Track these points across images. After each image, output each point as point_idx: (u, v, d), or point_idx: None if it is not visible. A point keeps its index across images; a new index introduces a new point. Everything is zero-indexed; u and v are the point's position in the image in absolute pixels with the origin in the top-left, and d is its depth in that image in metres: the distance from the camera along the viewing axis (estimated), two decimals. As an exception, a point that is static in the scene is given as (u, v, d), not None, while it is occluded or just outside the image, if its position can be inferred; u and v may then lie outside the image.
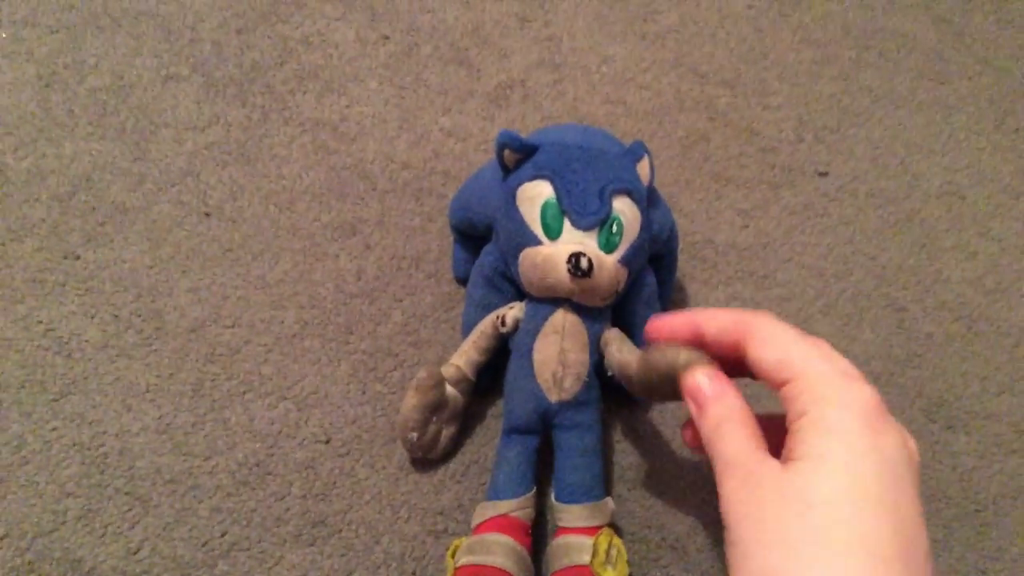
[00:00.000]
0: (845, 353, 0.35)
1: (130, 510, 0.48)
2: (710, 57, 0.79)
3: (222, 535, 0.48)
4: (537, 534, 0.50)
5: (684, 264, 0.64)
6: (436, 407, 0.51)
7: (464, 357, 0.53)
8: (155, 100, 0.67)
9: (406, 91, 0.72)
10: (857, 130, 0.76)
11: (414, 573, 0.49)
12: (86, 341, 0.54)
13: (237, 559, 0.47)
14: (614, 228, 0.51)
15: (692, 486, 0.54)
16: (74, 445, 0.50)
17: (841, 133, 0.75)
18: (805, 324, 0.62)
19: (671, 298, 0.61)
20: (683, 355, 0.39)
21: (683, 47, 0.79)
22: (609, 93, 0.75)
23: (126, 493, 0.49)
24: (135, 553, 0.47)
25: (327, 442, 0.52)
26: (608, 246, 0.51)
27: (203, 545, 0.47)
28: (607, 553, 0.47)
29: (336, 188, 0.64)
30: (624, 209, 0.51)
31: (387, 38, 0.75)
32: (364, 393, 0.55)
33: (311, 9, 0.76)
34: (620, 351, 0.51)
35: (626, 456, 0.56)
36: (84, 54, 0.67)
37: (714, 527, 0.53)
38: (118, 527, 0.47)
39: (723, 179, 0.70)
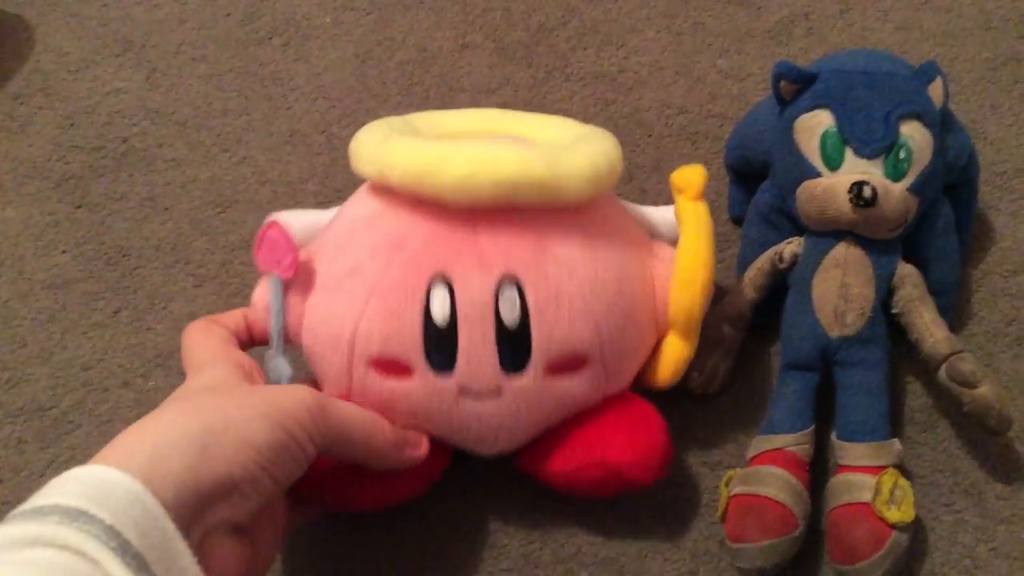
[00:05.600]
0: None
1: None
2: (1026, -32, 0.70)
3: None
4: (817, 472, 0.49)
5: (989, 195, 0.59)
6: (713, 344, 0.52)
7: (740, 295, 0.53)
8: (453, 68, 0.73)
9: (684, 36, 0.72)
10: None
11: (689, 500, 0.50)
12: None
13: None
14: (901, 155, 0.48)
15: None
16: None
17: None
18: None
19: (971, 230, 0.56)
20: None
21: (995, -40, 0.71)
22: (903, 18, 0.70)
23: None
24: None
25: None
26: (895, 174, 0.48)
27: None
28: (891, 493, 0.45)
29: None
30: (913, 134, 0.48)
31: (665, -13, 0.76)
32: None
33: (591, -32, 0.79)
34: (920, 314, 0.49)
35: (917, 398, 0.52)
36: (393, 31, 0.75)
37: (1017, 472, 0.49)
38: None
39: (1039, 101, 0.63)
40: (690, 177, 0.46)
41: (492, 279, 0.41)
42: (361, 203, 0.47)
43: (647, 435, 0.44)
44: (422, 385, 0.42)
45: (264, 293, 0.45)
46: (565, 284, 0.42)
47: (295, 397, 0.38)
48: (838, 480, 0.47)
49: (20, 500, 0.57)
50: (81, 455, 0.59)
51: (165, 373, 0.60)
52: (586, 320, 0.42)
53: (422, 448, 0.44)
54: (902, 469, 0.47)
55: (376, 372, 0.43)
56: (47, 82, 0.76)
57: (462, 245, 0.42)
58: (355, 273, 0.43)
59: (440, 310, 0.41)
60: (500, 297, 0.41)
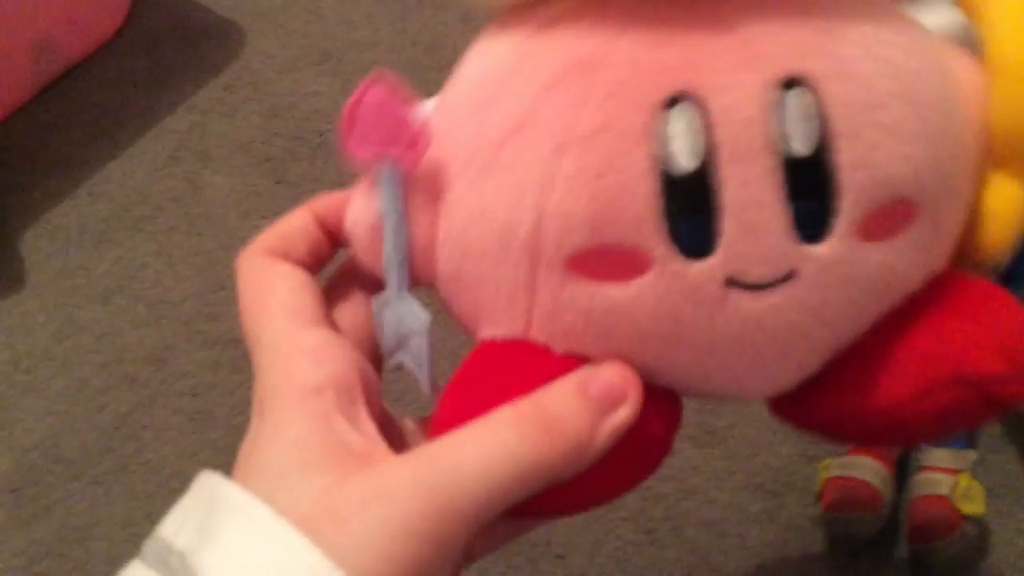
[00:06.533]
0: None
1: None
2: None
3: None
4: (900, 469, 0.58)
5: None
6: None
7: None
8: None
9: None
10: None
11: (787, 484, 0.59)
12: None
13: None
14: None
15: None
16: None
17: None
18: None
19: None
20: None
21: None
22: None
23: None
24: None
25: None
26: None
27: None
28: (966, 491, 0.54)
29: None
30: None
31: None
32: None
33: None
34: None
35: (991, 426, 0.62)
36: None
37: (1075, 492, 0.58)
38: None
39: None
40: None
41: (768, 81, 0.23)
42: (499, 41, 0.27)
43: (1012, 325, 0.26)
44: (663, 284, 0.24)
45: (368, 203, 0.26)
46: (883, 80, 0.24)
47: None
48: (921, 477, 0.56)
49: (211, 412, 0.70)
50: (267, 382, 0.70)
51: (343, 325, 0.71)
52: (917, 140, 0.24)
53: (631, 396, 0.24)
54: (975, 478, 0.56)
55: (580, 278, 0.24)
56: (254, 78, 0.89)
57: (706, 37, 0.24)
58: (524, 128, 0.24)
59: (686, 143, 0.23)
60: (783, 111, 0.23)
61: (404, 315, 0.27)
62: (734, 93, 0.23)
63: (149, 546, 0.21)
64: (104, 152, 0.85)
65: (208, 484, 0.21)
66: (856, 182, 0.23)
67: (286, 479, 0.21)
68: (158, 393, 0.71)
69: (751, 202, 0.23)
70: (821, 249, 0.23)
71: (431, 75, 0.87)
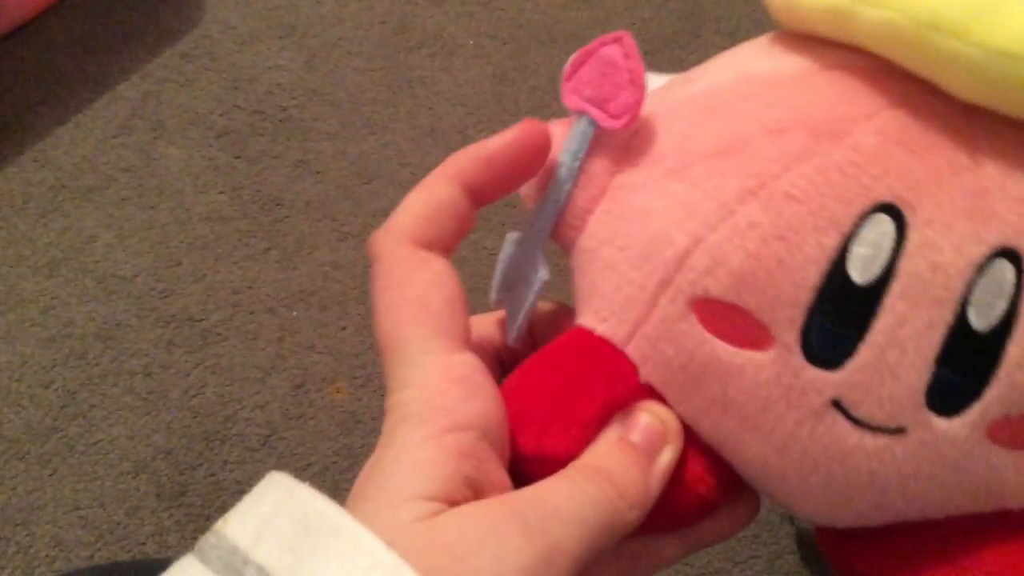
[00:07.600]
0: None
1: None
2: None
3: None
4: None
5: None
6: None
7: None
8: (568, 101, 0.84)
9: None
10: None
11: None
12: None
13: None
14: None
15: None
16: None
17: None
18: None
19: None
20: None
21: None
22: None
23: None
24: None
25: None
26: None
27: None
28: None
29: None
30: None
31: None
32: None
33: None
34: None
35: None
36: (528, 60, 0.87)
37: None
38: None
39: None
40: None
41: (981, 240, 0.21)
42: (762, 53, 0.26)
43: None
44: (772, 371, 0.22)
45: (554, 144, 0.25)
46: None
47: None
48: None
49: (165, 392, 0.67)
50: (227, 363, 0.67)
51: (306, 307, 0.69)
52: None
53: (671, 436, 0.23)
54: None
55: (698, 321, 0.23)
56: (214, 48, 0.86)
57: (948, 165, 0.22)
58: (731, 154, 0.23)
59: (869, 258, 0.21)
60: (980, 277, 0.21)
61: (527, 263, 0.26)
62: (942, 233, 0.21)
63: (211, 548, 0.20)
64: (51, 117, 0.81)
65: (299, 497, 0.20)
66: (1013, 380, 0.21)
67: (393, 501, 0.20)
68: (108, 371, 0.68)
69: (899, 345, 0.21)
70: (943, 424, 0.22)
71: (398, 56, 0.85)
